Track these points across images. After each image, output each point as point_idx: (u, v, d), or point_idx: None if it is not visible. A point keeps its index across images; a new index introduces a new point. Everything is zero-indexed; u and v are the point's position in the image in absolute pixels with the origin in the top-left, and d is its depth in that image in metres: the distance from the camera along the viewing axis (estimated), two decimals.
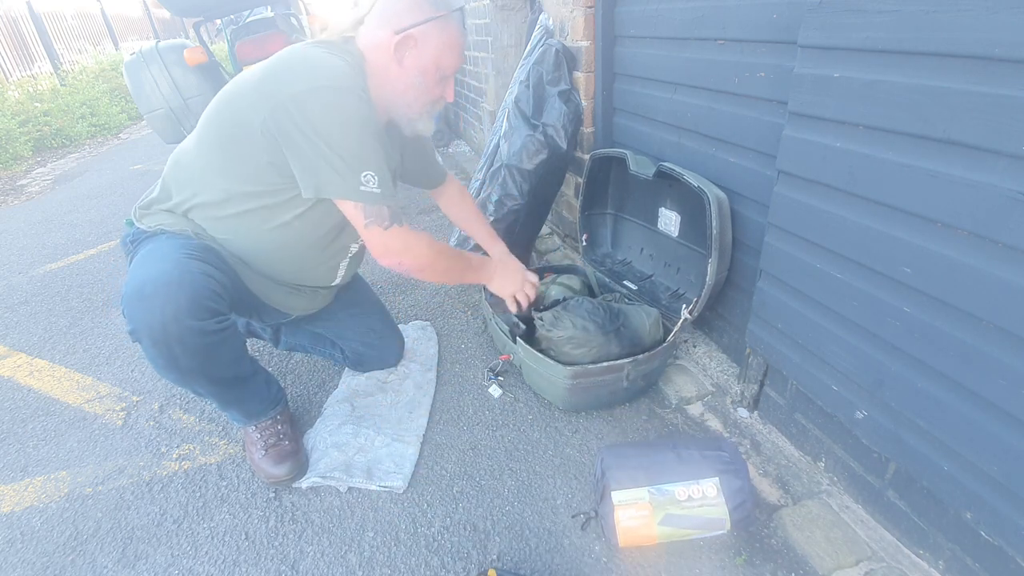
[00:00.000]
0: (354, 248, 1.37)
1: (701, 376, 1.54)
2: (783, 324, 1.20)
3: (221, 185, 1.14)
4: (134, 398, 1.64)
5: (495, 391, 1.54)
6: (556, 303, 1.53)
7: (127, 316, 1.04)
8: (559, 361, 1.39)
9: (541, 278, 1.82)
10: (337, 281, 1.41)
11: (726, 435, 1.36)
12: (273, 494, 1.27)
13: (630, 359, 1.35)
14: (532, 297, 1.49)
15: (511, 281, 1.47)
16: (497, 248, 1.62)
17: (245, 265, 1.23)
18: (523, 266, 1.51)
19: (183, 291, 1.03)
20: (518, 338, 1.47)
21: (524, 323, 1.52)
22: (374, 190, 1.07)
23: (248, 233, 1.19)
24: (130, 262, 1.19)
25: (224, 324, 1.11)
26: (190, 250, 1.10)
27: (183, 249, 1.09)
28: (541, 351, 1.42)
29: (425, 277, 1.25)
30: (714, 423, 1.40)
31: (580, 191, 1.89)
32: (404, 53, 1.12)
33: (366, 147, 1.06)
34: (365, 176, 1.06)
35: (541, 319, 1.44)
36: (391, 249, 1.15)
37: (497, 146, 2.02)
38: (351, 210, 1.10)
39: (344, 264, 1.38)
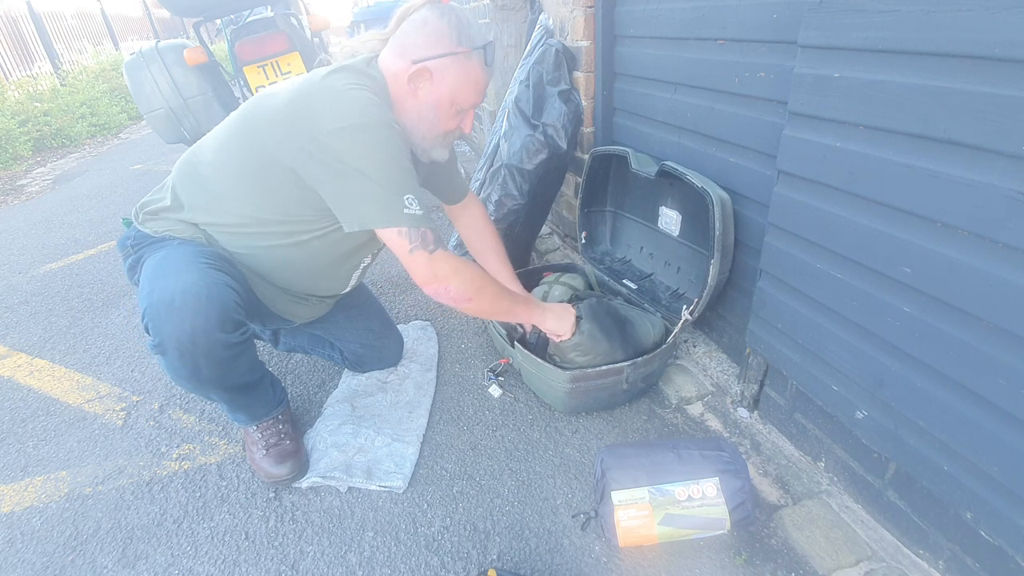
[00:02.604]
0: (366, 261, 1.35)
1: (701, 376, 1.54)
2: (783, 324, 1.20)
3: (244, 211, 1.13)
4: (134, 398, 1.64)
5: (495, 391, 1.54)
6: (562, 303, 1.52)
7: (152, 329, 1.03)
8: (558, 365, 1.39)
9: (541, 277, 1.83)
10: (346, 291, 1.41)
11: (726, 435, 1.36)
12: (273, 494, 1.27)
13: (629, 362, 1.35)
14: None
15: (567, 319, 1.36)
16: (515, 289, 1.52)
17: (256, 275, 1.23)
18: (566, 304, 1.41)
19: (212, 305, 1.03)
20: (516, 342, 1.47)
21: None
22: (417, 212, 1.04)
23: (264, 249, 1.18)
24: (129, 265, 1.18)
25: (246, 335, 1.12)
26: (208, 259, 1.09)
27: (201, 258, 1.08)
28: (548, 356, 1.43)
29: (470, 308, 1.16)
30: (714, 423, 1.40)
31: (580, 188, 1.89)
32: (418, 85, 1.08)
33: (403, 173, 1.04)
34: (407, 199, 1.03)
35: None
36: (439, 274, 1.08)
37: (497, 146, 2.02)
38: (395, 237, 1.04)
39: (355, 275, 1.37)
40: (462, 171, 1.52)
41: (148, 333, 1.05)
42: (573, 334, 1.37)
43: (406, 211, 1.02)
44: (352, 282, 1.39)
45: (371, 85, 1.05)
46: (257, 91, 3.03)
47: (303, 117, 1.00)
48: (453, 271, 1.10)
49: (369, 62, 1.11)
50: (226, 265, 1.13)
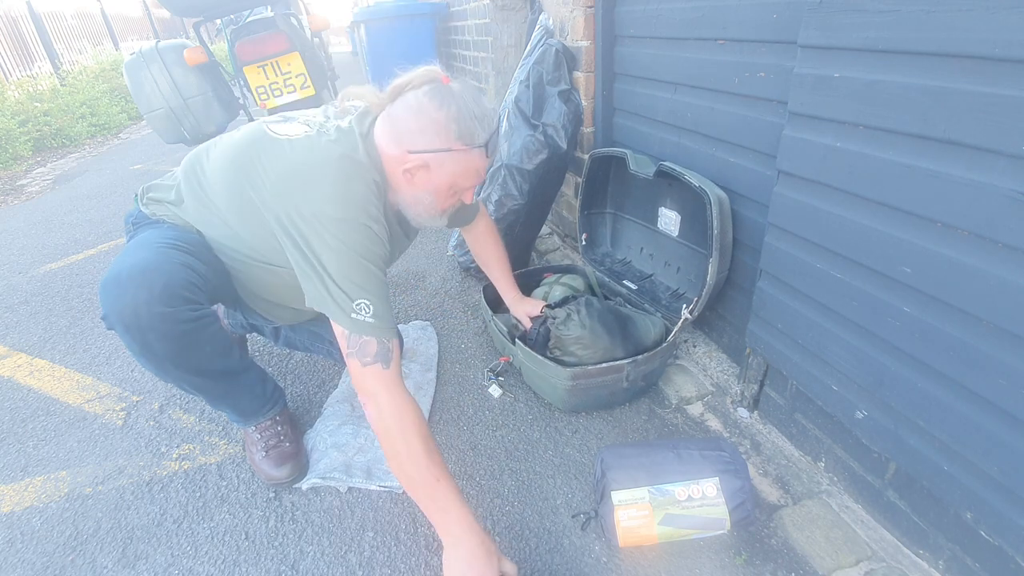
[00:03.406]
0: None
1: (701, 376, 1.54)
2: (783, 324, 1.20)
3: (230, 232, 1.13)
4: (134, 398, 1.64)
5: (495, 391, 1.54)
6: (565, 300, 1.53)
7: (101, 302, 1.04)
8: (562, 361, 1.39)
9: (542, 278, 1.83)
10: None
11: (726, 435, 1.36)
12: (273, 494, 1.27)
13: (630, 360, 1.35)
14: None
15: (469, 571, 0.93)
16: (512, 295, 1.60)
17: (239, 283, 1.23)
18: (497, 556, 0.96)
19: (158, 278, 1.02)
20: (517, 340, 1.48)
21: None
22: (366, 319, 0.99)
23: (246, 268, 1.18)
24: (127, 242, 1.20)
25: (199, 313, 1.09)
26: (178, 241, 1.10)
27: (171, 240, 1.09)
28: (550, 349, 1.43)
29: (379, 440, 1.04)
30: (714, 423, 1.40)
31: (579, 190, 1.89)
32: (415, 175, 1.06)
33: (365, 276, 1.01)
34: (358, 304, 1.00)
35: (554, 317, 1.45)
36: (363, 387, 1.01)
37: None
38: (339, 332, 1.02)
39: None
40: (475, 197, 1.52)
41: (100, 306, 1.05)
42: None
43: (354, 315, 0.99)
44: None
45: (366, 172, 1.04)
46: (257, 91, 3.03)
47: (293, 190, 1.01)
48: (373, 393, 1.00)
49: (367, 136, 1.07)
50: (198, 251, 1.12)
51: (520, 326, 1.58)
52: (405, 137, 1.03)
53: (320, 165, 1.02)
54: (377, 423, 1.00)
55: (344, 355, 1.02)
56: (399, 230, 1.22)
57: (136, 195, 1.25)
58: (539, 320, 1.50)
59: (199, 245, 1.14)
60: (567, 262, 2.15)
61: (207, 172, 1.15)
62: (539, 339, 1.46)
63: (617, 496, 1.07)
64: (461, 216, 1.48)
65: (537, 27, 2.04)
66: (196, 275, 1.08)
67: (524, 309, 1.57)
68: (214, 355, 1.17)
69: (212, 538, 1.18)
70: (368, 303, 1.00)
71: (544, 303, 1.56)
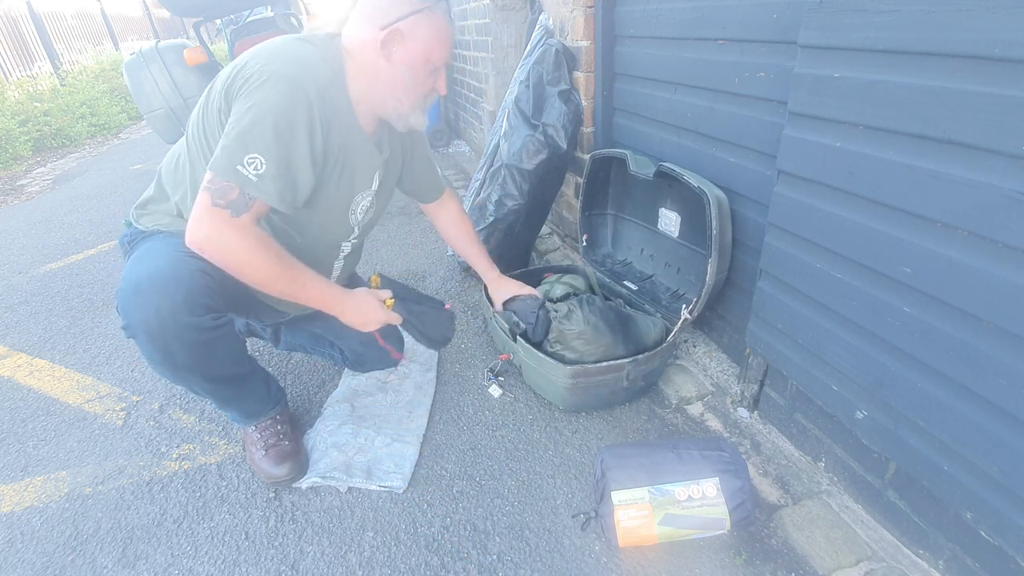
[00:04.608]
0: (346, 248, 1.36)
1: (701, 376, 1.54)
2: (783, 324, 1.20)
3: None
4: (134, 398, 1.64)
5: (495, 391, 1.54)
6: (566, 296, 1.53)
7: (121, 312, 1.04)
8: (562, 358, 1.39)
9: (542, 278, 1.83)
10: (330, 279, 1.40)
11: (726, 435, 1.36)
12: (273, 494, 1.27)
13: (630, 359, 1.35)
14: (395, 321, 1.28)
15: (369, 305, 1.23)
16: (492, 274, 1.62)
17: None
18: (380, 302, 1.26)
19: (179, 287, 1.03)
20: (519, 337, 1.48)
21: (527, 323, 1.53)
22: (248, 174, 0.97)
23: None
24: (127, 262, 1.20)
25: (220, 321, 1.11)
26: (185, 248, 1.10)
27: (178, 247, 1.09)
28: (551, 343, 1.43)
29: (236, 274, 1.05)
30: (714, 423, 1.40)
31: (580, 191, 1.89)
32: (392, 48, 1.09)
33: (275, 136, 0.98)
34: (252, 159, 0.96)
35: (556, 310, 1.45)
36: (196, 229, 0.99)
37: (497, 146, 2.02)
38: (207, 175, 0.99)
39: (338, 264, 1.37)
40: (439, 170, 1.54)
41: (120, 315, 1.05)
42: (380, 324, 1.25)
43: (239, 168, 0.97)
44: (335, 274, 1.38)
45: (318, 52, 1.06)
46: None
47: (245, 56, 1.04)
48: (220, 233, 0.98)
49: (331, 36, 1.11)
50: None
51: (520, 324, 1.58)
52: (377, 16, 1.08)
53: (273, 44, 1.06)
54: (230, 260, 1.02)
55: (200, 188, 0.99)
56: (366, 140, 1.20)
57: (126, 221, 1.25)
58: (538, 309, 1.50)
59: None
60: (567, 262, 2.15)
61: (182, 147, 1.17)
62: (539, 328, 1.46)
63: (617, 496, 1.07)
64: (427, 186, 1.52)
65: (537, 27, 2.04)
66: (213, 280, 1.08)
67: (507, 288, 1.59)
68: (230, 361, 1.19)
69: (212, 538, 1.18)
70: (263, 161, 0.98)
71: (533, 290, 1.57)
